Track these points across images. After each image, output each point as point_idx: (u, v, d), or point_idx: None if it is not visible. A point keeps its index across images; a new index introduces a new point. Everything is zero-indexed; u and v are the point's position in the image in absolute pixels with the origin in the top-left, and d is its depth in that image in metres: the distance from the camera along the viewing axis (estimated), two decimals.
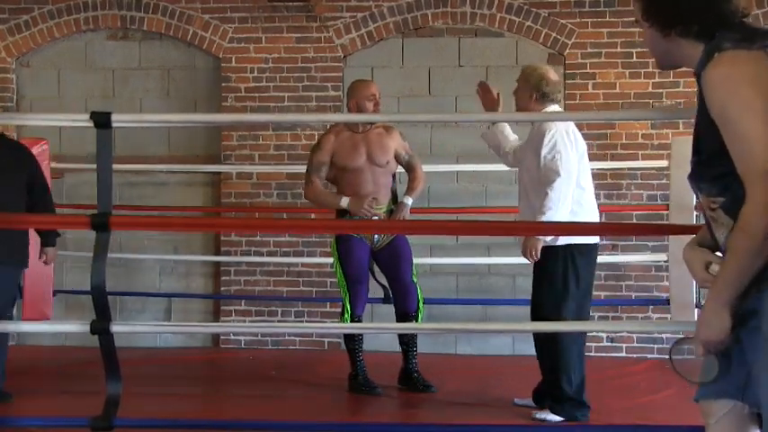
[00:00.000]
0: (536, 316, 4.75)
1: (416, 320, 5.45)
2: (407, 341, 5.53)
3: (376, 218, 5.37)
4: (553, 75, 4.84)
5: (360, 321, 5.52)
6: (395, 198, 5.58)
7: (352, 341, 5.50)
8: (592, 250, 4.73)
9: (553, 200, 4.47)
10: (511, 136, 5.02)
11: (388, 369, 5.70)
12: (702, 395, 2.39)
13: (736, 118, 2.10)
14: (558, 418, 4.64)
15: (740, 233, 2.11)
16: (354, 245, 5.39)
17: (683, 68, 6.91)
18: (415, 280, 5.49)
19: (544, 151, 4.56)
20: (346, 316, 5.42)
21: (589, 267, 4.71)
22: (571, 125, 4.70)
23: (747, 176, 2.09)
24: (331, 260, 6.90)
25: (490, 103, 4.90)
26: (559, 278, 4.59)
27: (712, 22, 2.25)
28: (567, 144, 4.56)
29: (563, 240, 4.56)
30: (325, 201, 5.50)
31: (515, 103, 4.89)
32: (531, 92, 4.75)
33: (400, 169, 5.64)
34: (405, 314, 5.48)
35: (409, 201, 5.46)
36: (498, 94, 4.88)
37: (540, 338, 4.80)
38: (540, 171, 4.57)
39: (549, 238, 4.54)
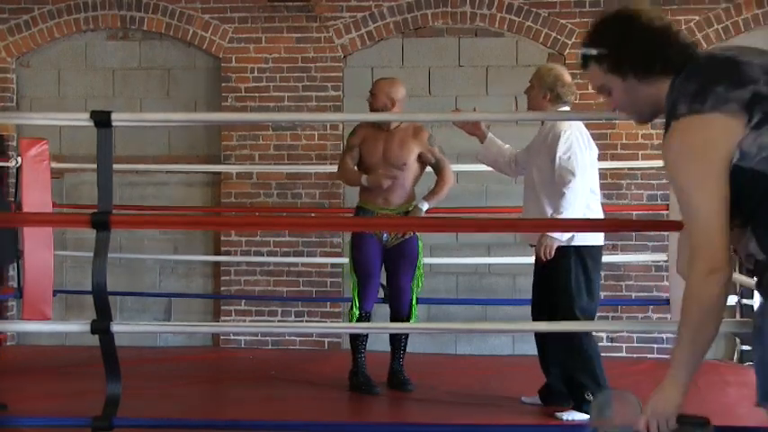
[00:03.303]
0: (542, 317, 4.75)
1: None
2: (394, 342, 5.57)
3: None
4: (568, 76, 4.88)
5: (369, 316, 5.50)
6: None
7: (356, 339, 5.51)
8: (599, 251, 4.75)
9: (569, 200, 4.50)
10: (504, 146, 5.04)
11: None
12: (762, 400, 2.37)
13: (684, 190, 2.22)
14: (587, 417, 4.53)
15: (687, 301, 2.21)
16: (366, 240, 5.42)
17: None
18: (413, 286, 5.50)
19: (560, 152, 4.58)
20: (354, 310, 5.43)
21: (597, 268, 4.76)
22: (584, 128, 4.74)
23: (692, 246, 2.20)
24: (332, 260, 6.97)
25: (470, 124, 4.94)
26: (572, 279, 4.61)
27: (679, 52, 2.34)
28: (583, 146, 4.62)
29: (575, 242, 4.58)
30: (349, 176, 5.50)
31: (527, 102, 4.91)
32: (546, 92, 4.78)
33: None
34: (396, 317, 5.52)
35: (424, 206, 5.43)
36: (475, 108, 4.91)
37: (552, 340, 4.78)
38: (553, 171, 4.60)
39: (564, 238, 4.55)
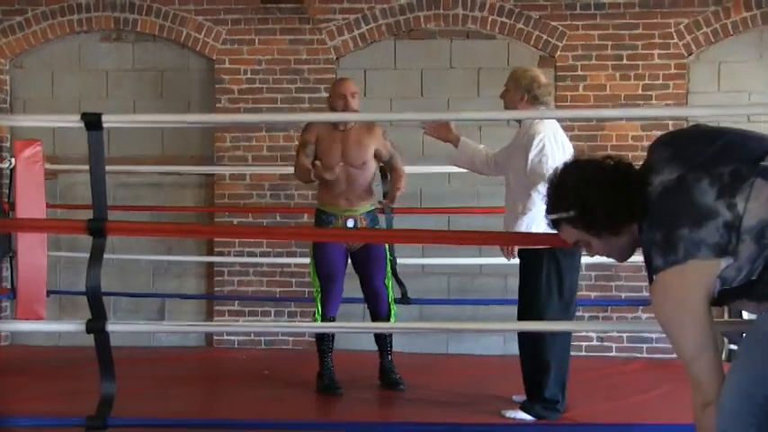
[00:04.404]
0: (521, 317, 4.77)
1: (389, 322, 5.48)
2: (380, 341, 5.58)
3: (351, 221, 5.37)
4: (544, 77, 4.88)
5: (332, 321, 5.49)
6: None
7: (323, 341, 5.50)
8: (576, 251, 4.73)
9: (535, 202, 4.47)
10: (479, 146, 5.07)
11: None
12: None
13: (671, 337, 2.36)
14: (528, 418, 4.69)
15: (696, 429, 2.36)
16: (328, 245, 5.36)
17: (673, 71, 6.86)
18: (387, 283, 5.48)
19: (532, 154, 4.58)
20: (317, 316, 5.41)
21: (573, 269, 4.73)
22: (560, 131, 4.73)
23: (690, 380, 2.35)
24: None
25: (442, 130, 4.95)
26: (543, 280, 4.61)
27: (638, 191, 2.44)
28: (555, 149, 4.60)
29: None
30: (302, 174, 5.36)
31: (504, 104, 4.91)
32: (522, 93, 4.77)
33: None
34: (375, 318, 5.50)
35: (397, 193, 5.41)
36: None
37: (524, 339, 4.82)
38: (526, 173, 4.60)
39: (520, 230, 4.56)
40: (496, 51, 7.22)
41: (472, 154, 5.03)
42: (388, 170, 5.53)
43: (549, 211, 2.61)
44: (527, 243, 4.55)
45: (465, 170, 5.37)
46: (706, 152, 2.36)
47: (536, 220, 4.50)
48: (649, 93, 7.01)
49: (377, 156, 5.46)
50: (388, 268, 5.53)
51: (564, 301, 4.67)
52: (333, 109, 5.37)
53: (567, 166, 2.62)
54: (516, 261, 4.77)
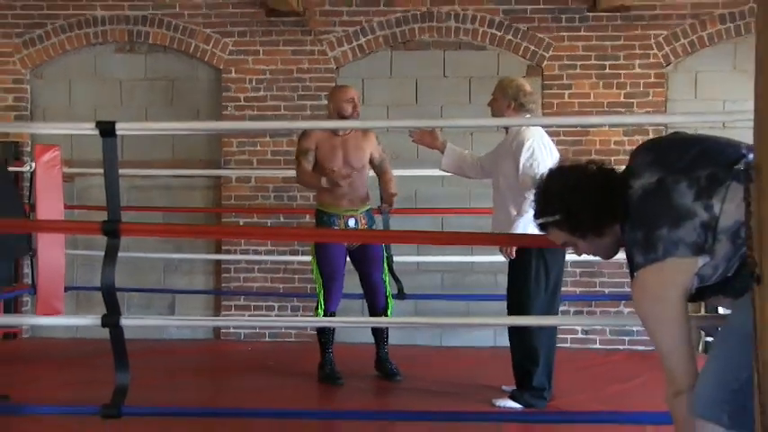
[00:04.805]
0: (510, 310, 4.80)
1: (386, 315, 5.50)
2: (377, 334, 5.62)
3: (352, 220, 5.40)
4: (528, 86, 4.91)
5: (333, 316, 5.51)
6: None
7: (324, 334, 5.53)
8: (561, 249, 4.76)
9: (530, 203, 4.50)
10: (465, 151, 5.12)
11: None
12: None
13: (649, 330, 2.37)
14: (517, 406, 4.73)
15: (672, 419, 2.38)
16: (330, 244, 5.40)
17: (653, 80, 6.87)
18: (384, 278, 5.52)
19: (523, 159, 4.62)
20: (320, 311, 5.43)
21: (558, 264, 4.77)
22: (545, 136, 4.78)
23: (665, 370, 2.36)
24: None
25: (428, 138, 4.96)
26: (531, 275, 4.66)
27: (618, 195, 2.45)
28: (544, 152, 4.64)
29: None
30: (309, 180, 5.42)
31: (492, 112, 4.94)
32: (509, 101, 4.81)
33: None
34: (374, 311, 5.53)
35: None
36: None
37: (514, 330, 4.85)
38: (517, 177, 4.63)
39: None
40: (487, 61, 7.24)
41: (458, 159, 5.07)
42: (378, 173, 5.56)
43: (536, 216, 2.64)
44: (517, 243, 4.58)
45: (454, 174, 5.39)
46: (685, 158, 2.38)
47: (531, 221, 4.53)
48: (631, 100, 7.04)
49: (370, 159, 5.51)
50: (385, 265, 5.55)
51: (550, 295, 4.71)
52: (338, 114, 5.38)
53: (552, 173, 2.63)
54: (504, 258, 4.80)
